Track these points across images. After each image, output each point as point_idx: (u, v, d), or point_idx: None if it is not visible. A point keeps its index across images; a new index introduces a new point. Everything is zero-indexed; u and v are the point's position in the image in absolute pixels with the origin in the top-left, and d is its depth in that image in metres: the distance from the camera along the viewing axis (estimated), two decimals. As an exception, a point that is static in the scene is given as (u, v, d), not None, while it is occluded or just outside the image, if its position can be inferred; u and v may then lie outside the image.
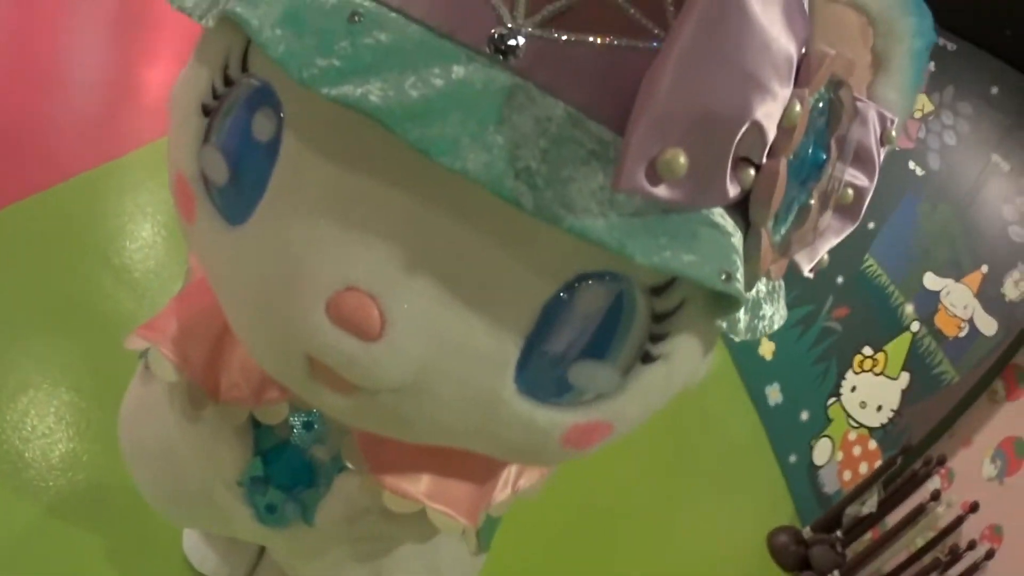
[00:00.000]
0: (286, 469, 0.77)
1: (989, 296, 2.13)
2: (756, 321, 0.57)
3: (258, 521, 0.81)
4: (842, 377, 2.56)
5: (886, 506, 2.02)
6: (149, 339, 0.72)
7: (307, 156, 0.48)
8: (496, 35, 0.42)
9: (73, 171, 2.12)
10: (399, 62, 0.40)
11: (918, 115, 2.74)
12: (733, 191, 0.45)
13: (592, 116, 0.42)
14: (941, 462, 1.99)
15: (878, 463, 2.16)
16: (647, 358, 0.54)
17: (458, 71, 0.41)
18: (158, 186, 2.11)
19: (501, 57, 0.42)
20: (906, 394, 2.27)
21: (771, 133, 0.44)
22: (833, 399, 2.55)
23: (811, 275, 0.64)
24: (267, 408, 0.74)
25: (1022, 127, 2.29)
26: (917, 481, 1.98)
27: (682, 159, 0.40)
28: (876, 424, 2.32)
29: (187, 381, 0.71)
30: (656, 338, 0.53)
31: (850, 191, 0.60)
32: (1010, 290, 2.06)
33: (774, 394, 2.88)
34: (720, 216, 0.47)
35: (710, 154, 0.42)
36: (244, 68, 0.51)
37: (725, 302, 0.51)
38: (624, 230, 0.42)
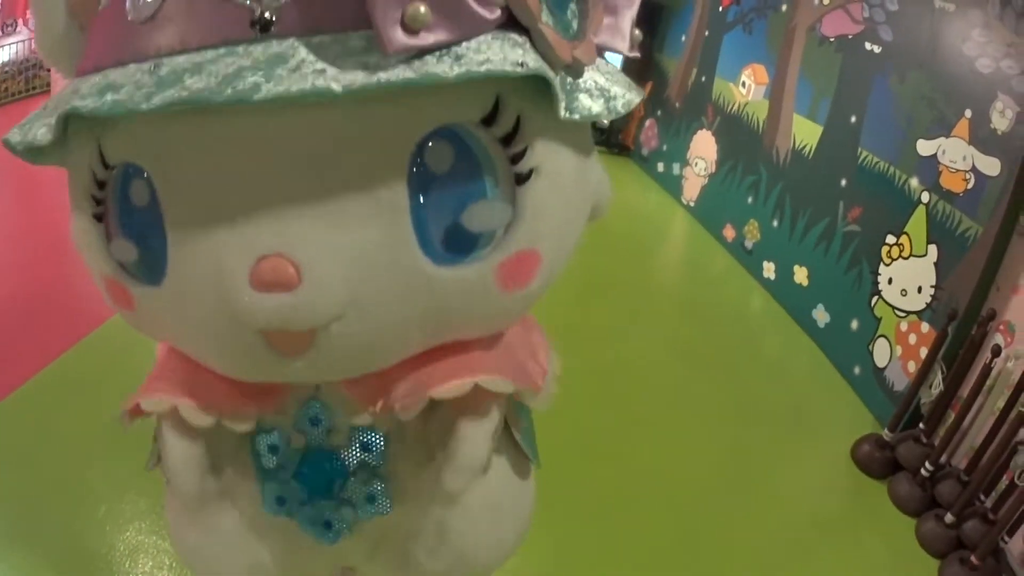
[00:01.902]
0: (318, 473, 0.75)
1: (982, 137, 1.97)
2: (612, 103, 0.60)
3: (327, 542, 0.78)
4: (876, 274, 2.40)
5: (955, 380, 1.85)
6: (165, 397, 0.71)
7: (178, 189, 0.55)
8: (253, 22, 0.49)
9: (107, 315, 2.20)
10: (198, 69, 0.48)
11: (856, -3, 2.61)
12: (492, 13, 0.50)
13: (347, 27, 0.49)
14: (992, 318, 1.82)
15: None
16: (521, 178, 0.58)
17: (242, 53, 0.48)
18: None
19: (267, 31, 0.49)
20: (939, 266, 2.10)
21: None
22: (875, 298, 2.39)
23: (635, 54, 0.66)
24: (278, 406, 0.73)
25: (952, -37, 2.15)
26: (976, 345, 1.81)
27: (422, 8, 0.46)
28: (922, 306, 2.15)
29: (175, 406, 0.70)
30: (516, 158, 0.57)
31: None
32: (999, 122, 1.89)
33: (821, 315, 2.72)
34: (501, 34, 0.52)
35: None
36: (104, 165, 0.58)
37: (552, 100, 0.54)
38: (421, 68, 0.48)
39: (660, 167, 4.41)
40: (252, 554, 0.81)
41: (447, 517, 0.81)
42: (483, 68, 0.49)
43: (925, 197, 2.18)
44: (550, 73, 0.53)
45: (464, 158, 0.56)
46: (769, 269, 3.14)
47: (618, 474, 1.88)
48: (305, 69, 0.47)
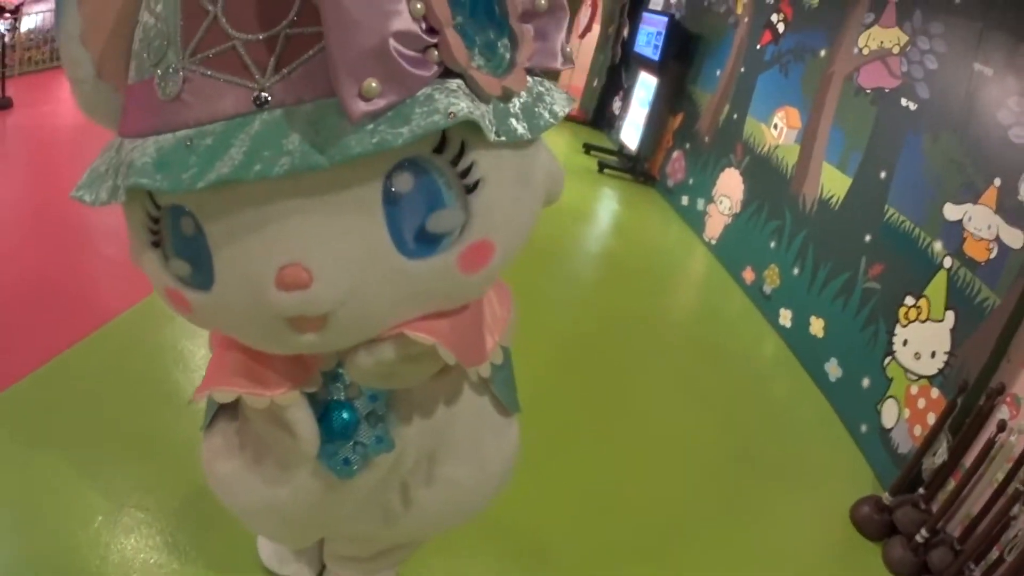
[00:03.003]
0: (337, 420, 0.98)
1: (1008, 208, 2.01)
2: (536, 120, 0.80)
3: (346, 476, 1.02)
4: (892, 334, 2.45)
5: (958, 450, 1.89)
6: (208, 387, 0.93)
7: (218, 223, 0.75)
8: (254, 99, 0.68)
9: (113, 312, 2.33)
10: (224, 146, 0.67)
11: (896, 50, 2.66)
12: (428, 71, 0.68)
13: (323, 97, 0.67)
14: (1000, 391, 1.86)
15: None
16: (469, 189, 0.77)
17: (251, 128, 0.67)
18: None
19: (265, 105, 0.68)
20: (955, 333, 2.14)
21: (415, 26, 0.66)
22: (888, 358, 2.44)
23: (568, 67, 0.86)
24: (309, 381, 0.95)
25: (994, 28, 2.19)
26: (983, 417, 1.86)
27: (374, 84, 0.64)
28: (934, 371, 2.20)
29: (241, 396, 0.91)
30: (464, 174, 0.76)
31: (543, 0, 0.78)
32: (1026, 195, 1.94)
33: (833, 369, 2.77)
34: (440, 84, 0.69)
35: (387, 67, 0.65)
36: (156, 205, 0.78)
37: (482, 127, 0.72)
38: (378, 136, 0.66)
39: (684, 200, 4.47)
40: (277, 490, 1.06)
41: (437, 450, 1.09)
42: (421, 130, 0.66)
43: (948, 262, 2.23)
44: (475, 116, 0.70)
45: (423, 179, 0.75)
46: (786, 316, 3.19)
47: (611, 512, 1.92)
48: (300, 146, 0.66)
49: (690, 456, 2.29)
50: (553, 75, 0.88)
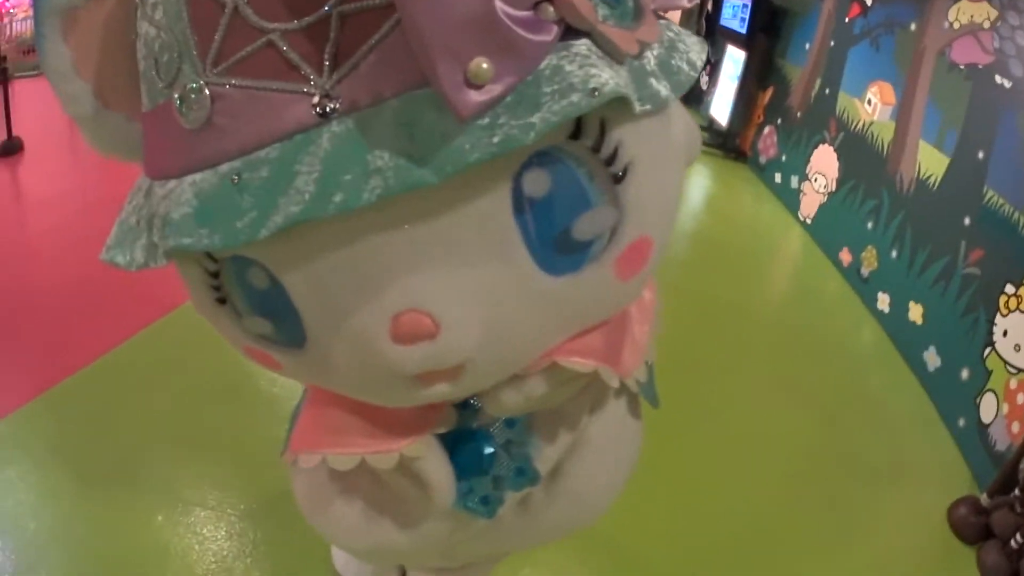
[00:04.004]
0: (470, 452, 0.85)
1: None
2: (676, 75, 0.63)
3: (485, 517, 0.89)
4: (992, 323, 2.39)
5: (1057, 452, 1.86)
6: (315, 450, 0.83)
7: (298, 273, 0.60)
8: (315, 108, 0.53)
9: (174, 303, 2.37)
10: (286, 176, 0.52)
11: (987, 25, 2.57)
12: (549, 35, 0.52)
13: (410, 89, 0.52)
14: (1102, 391, 1.82)
15: (1043, 407, 1.99)
16: (618, 178, 0.62)
17: (318, 146, 0.52)
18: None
19: (332, 114, 0.53)
20: (1057, 325, 2.09)
21: None
22: (988, 349, 2.38)
23: (692, 3, 0.71)
24: (439, 422, 0.83)
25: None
26: (1081, 418, 1.82)
27: (484, 64, 0.49)
28: (1034, 365, 2.15)
29: (363, 459, 0.80)
30: (609, 161, 0.61)
31: None
32: None
33: (932, 358, 2.71)
34: (565, 50, 0.54)
35: (497, 39, 0.49)
36: (212, 258, 0.63)
37: (628, 100, 0.57)
38: (501, 134, 0.50)
39: (777, 178, 4.40)
40: (398, 536, 0.93)
41: (564, 459, 0.92)
42: (557, 116, 0.51)
43: (1048, 250, 2.17)
44: (623, 91, 0.55)
45: (562, 176, 0.60)
46: (884, 301, 3.13)
47: (701, 514, 1.96)
48: (392, 160, 0.51)
49: (785, 452, 2.29)
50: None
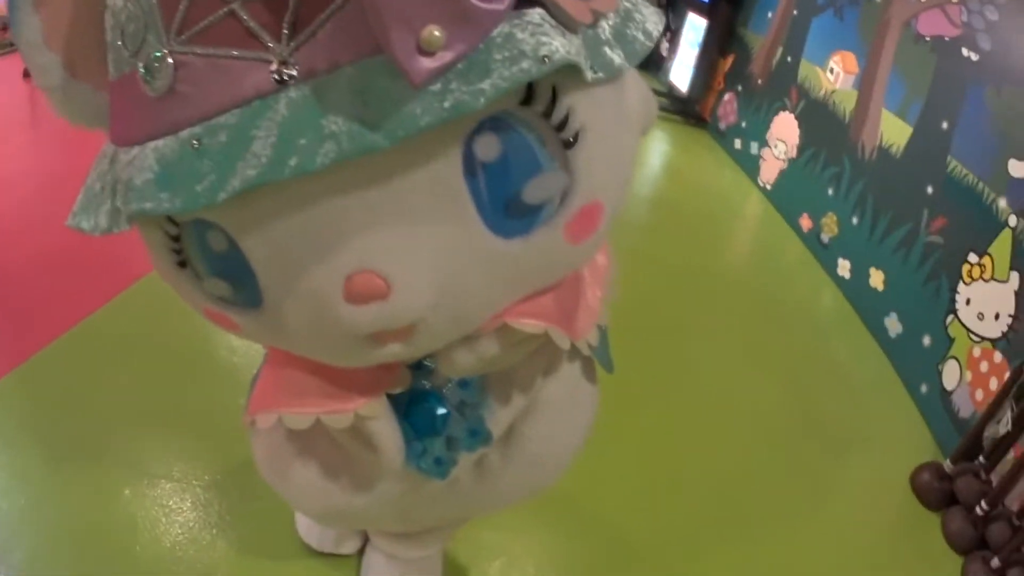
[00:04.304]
0: (423, 413, 0.87)
1: (1075, 169, 2.01)
2: (631, 44, 0.65)
3: (438, 478, 0.92)
4: (955, 291, 2.45)
5: (1021, 420, 1.93)
6: (272, 409, 0.85)
7: (255, 235, 0.62)
8: (274, 74, 0.55)
9: (139, 273, 2.34)
10: (244, 141, 0.54)
11: (955, -1, 2.61)
12: (502, 3, 0.53)
13: (365, 57, 0.54)
14: (1066, 360, 1.88)
15: (1006, 376, 2.05)
16: (568, 144, 0.64)
17: (275, 112, 0.54)
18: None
19: (289, 80, 0.55)
20: (1020, 296, 2.14)
21: None
22: (951, 316, 2.45)
23: None
24: (394, 382, 0.84)
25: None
26: (1046, 387, 1.89)
27: (436, 32, 0.50)
28: (997, 334, 2.21)
29: (318, 418, 0.81)
30: (560, 126, 0.62)
31: None
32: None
33: (893, 324, 2.78)
34: (517, 20, 0.55)
35: (449, 7, 0.50)
36: (173, 222, 0.65)
37: (580, 68, 0.58)
38: (451, 99, 0.52)
39: (737, 144, 4.43)
40: (354, 498, 0.97)
41: (519, 422, 0.96)
42: (507, 83, 0.53)
43: (1012, 221, 2.22)
44: (573, 57, 0.56)
45: (513, 140, 0.61)
46: (844, 267, 3.19)
47: (665, 473, 2.00)
48: (346, 125, 0.52)
49: (748, 417, 2.34)
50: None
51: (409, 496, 0.97)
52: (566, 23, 0.58)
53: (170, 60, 0.57)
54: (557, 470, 1.06)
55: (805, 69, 3.74)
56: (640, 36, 0.66)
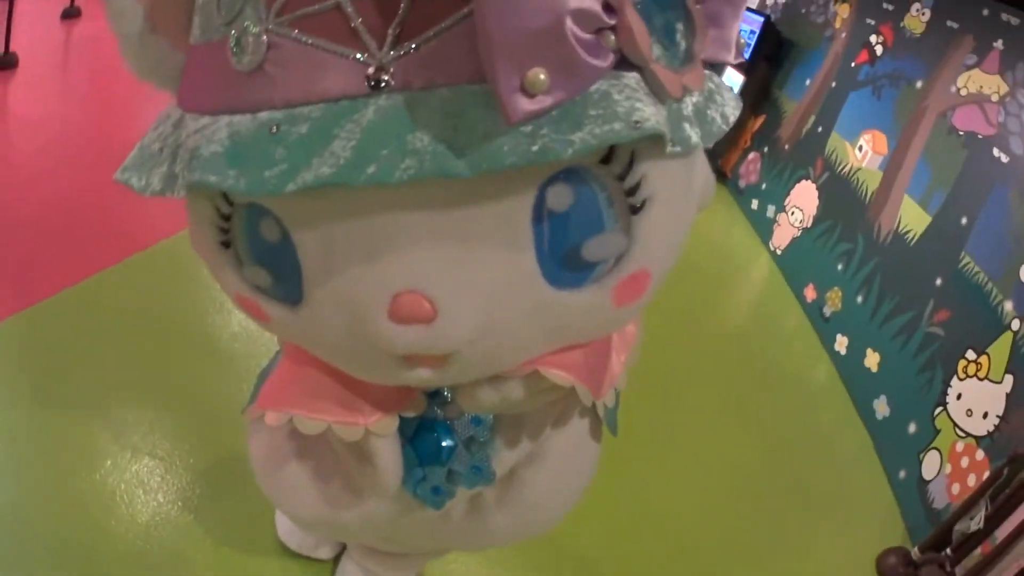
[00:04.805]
0: (430, 442, 0.88)
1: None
2: (709, 125, 0.66)
3: (433, 507, 0.92)
4: (947, 385, 2.50)
5: (994, 520, 1.96)
6: (283, 409, 0.84)
7: (312, 233, 0.62)
8: (368, 79, 0.54)
9: (151, 240, 2.35)
10: (324, 138, 0.53)
11: (995, 98, 2.67)
12: (606, 61, 0.54)
13: (463, 82, 0.54)
14: (1047, 468, 1.93)
15: (986, 474, 2.09)
16: (635, 209, 0.64)
17: (362, 115, 0.53)
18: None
19: (383, 87, 0.54)
20: (1011, 398, 2.19)
21: (594, 3, 0.52)
22: (940, 408, 2.49)
23: (737, 60, 0.71)
24: (410, 405, 0.84)
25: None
26: (1022, 489, 1.93)
27: (542, 75, 0.51)
28: (983, 432, 2.26)
29: (329, 427, 0.81)
30: (631, 191, 0.63)
31: None
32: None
33: (881, 407, 2.82)
34: (615, 81, 0.56)
35: (559, 54, 0.51)
36: (228, 201, 0.65)
37: (663, 138, 0.59)
38: (540, 143, 0.52)
39: (754, 204, 4.49)
40: (340, 512, 0.95)
41: (521, 468, 0.97)
42: (596, 139, 0.53)
43: (1016, 325, 2.27)
44: (662, 129, 0.57)
45: (584, 195, 0.62)
46: (842, 343, 3.24)
47: (643, 524, 2.03)
48: (431, 145, 0.52)
49: (728, 476, 2.37)
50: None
51: (399, 519, 0.97)
52: (658, 93, 0.59)
53: (264, 38, 0.56)
54: (549, 521, 1.07)
55: (834, 142, 3.80)
56: (718, 118, 0.67)
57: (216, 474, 1.65)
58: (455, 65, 0.54)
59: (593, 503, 1.92)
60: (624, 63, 0.57)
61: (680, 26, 0.62)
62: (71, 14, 4.66)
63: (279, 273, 0.67)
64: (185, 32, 0.65)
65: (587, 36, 0.52)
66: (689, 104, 0.64)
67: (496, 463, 0.92)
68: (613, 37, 0.54)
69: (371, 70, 0.54)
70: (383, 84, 0.54)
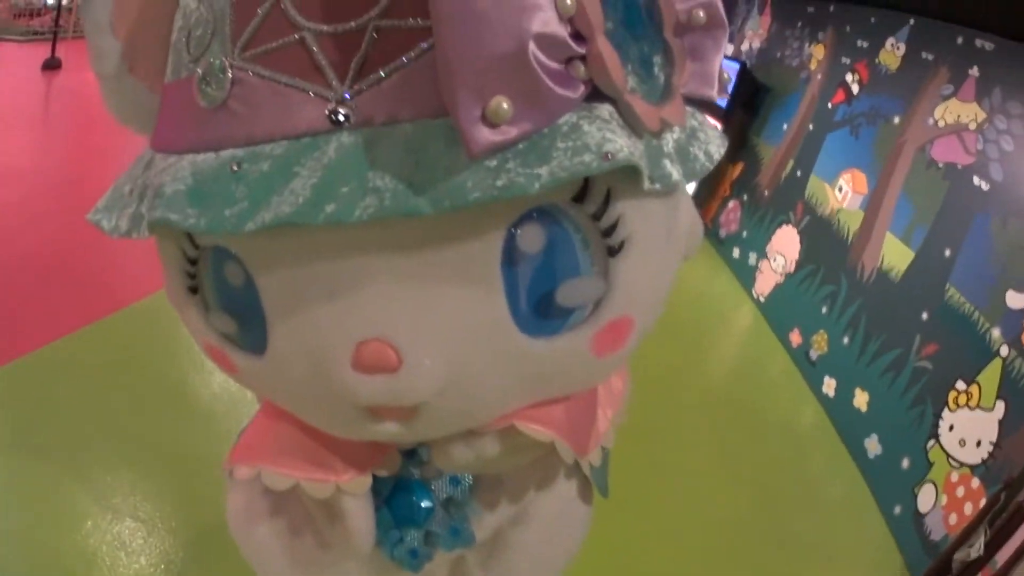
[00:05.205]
0: (407, 504, 0.84)
1: (1073, 304, 2.05)
2: (691, 163, 0.62)
3: (410, 570, 0.88)
4: (939, 417, 2.47)
5: (992, 546, 1.91)
6: (254, 463, 0.81)
7: (274, 276, 0.60)
8: (329, 114, 0.53)
9: (129, 299, 2.32)
10: (284, 176, 0.52)
11: (973, 126, 2.70)
12: (575, 91, 0.52)
13: (426, 116, 0.52)
14: (1045, 490, 1.88)
15: (982, 502, 2.05)
16: (613, 251, 0.61)
17: (323, 153, 0.52)
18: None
19: (344, 123, 0.53)
20: (1003, 424, 2.16)
21: (561, 29, 0.50)
22: (932, 441, 2.45)
23: (721, 97, 0.68)
24: (384, 464, 0.81)
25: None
26: (1021, 514, 1.88)
27: (504, 104, 0.49)
28: (977, 461, 2.22)
29: (298, 483, 0.78)
30: (608, 232, 0.60)
31: (700, 12, 0.61)
32: (1092, 293, 1.98)
33: (873, 445, 2.78)
34: (587, 110, 0.54)
35: (523, 82, 0.49)
36: (194, 244, 0.63)
37: (639, 172, 0.56)
38: (505, 178, 0.50)
39: (736, 252, 4.51)
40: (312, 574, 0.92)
41: (507, 530, 0.92)
42: (565, 172, 0.50)
43: (1004, 351, 2.25)
44: (636, 159, 0.54)
45: (556, 236, 0.59)
46: (830, 385, 3.21)
47: (629, 570, 1.97)
48: (392, 183, 0.50)
49: (717, 525, 2.33)
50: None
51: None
52: (634, 125, 0.56)
53: (229, 73, 0.56)
54: None
55: (814, 185, 3.84)
56: (702, 156, 0.63)
57: (199, 536, 1.61)
58: (419, 99, 0.52)
59: (580, 560, 1.91)
60: (597, 95, 0.54)
61: (658, 59, 0.61)
62: (52, 65, 4.69)
63: (244, 320, 0.65)
64: (161, 74, 0.65)
65: (554, 65, 0.51)
66: (670, 140, 0.61)
67: (476, 525, 0.88)
68: (583, 67, 0.52)
69: (332, 105, 0.53)
70: (343, 119, 0.53)
